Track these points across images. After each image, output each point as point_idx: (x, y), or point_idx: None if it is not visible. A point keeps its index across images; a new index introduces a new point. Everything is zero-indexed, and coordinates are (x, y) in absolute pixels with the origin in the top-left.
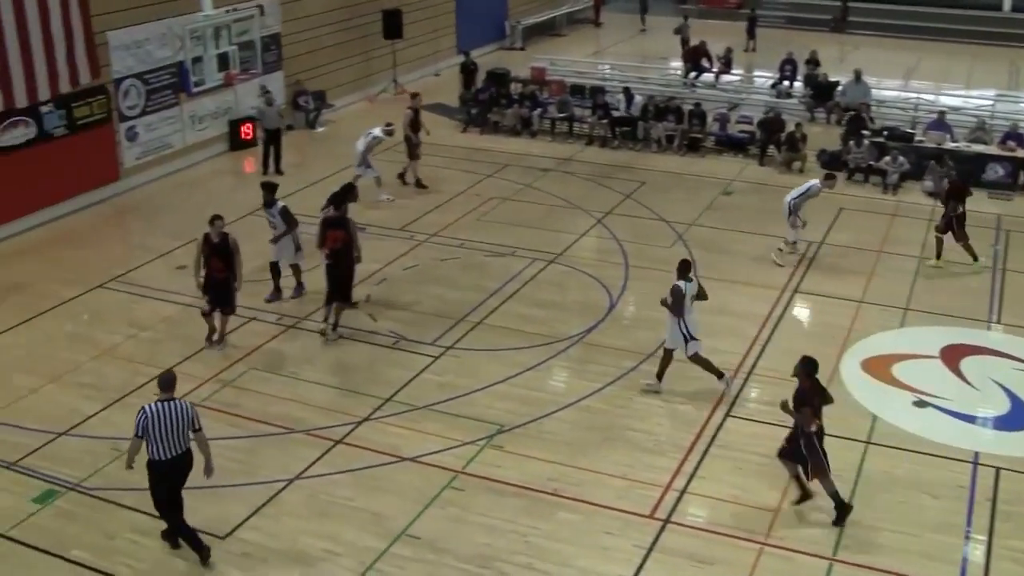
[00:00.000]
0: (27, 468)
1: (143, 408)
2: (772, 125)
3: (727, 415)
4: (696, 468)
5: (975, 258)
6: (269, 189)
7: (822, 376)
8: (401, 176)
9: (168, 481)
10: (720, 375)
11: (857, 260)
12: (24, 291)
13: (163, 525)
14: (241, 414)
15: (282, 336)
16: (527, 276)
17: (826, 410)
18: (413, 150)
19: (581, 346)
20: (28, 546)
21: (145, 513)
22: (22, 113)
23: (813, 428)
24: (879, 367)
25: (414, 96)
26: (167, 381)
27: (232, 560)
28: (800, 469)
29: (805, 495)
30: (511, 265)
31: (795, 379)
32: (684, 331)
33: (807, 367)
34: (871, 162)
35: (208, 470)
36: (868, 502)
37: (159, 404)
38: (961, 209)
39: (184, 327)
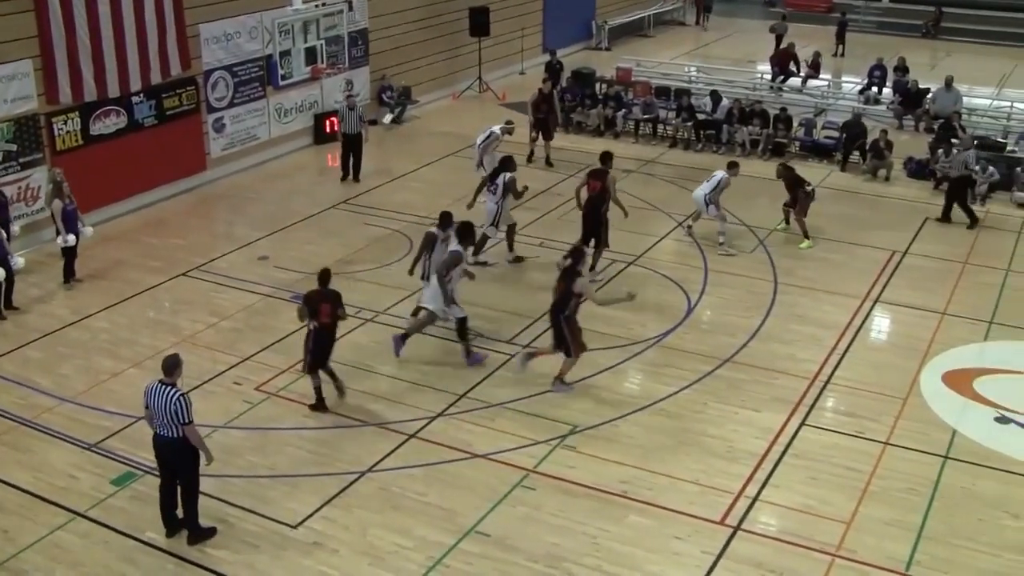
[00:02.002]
0: (107, 450)
1: (149, 383)
2: (853, 128)
3: (803, 424)
4: (769, 476)
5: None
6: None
7: (902, 388)
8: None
9: (158, 455)
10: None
11: (942, 272)
12: (110, 276)
13: (229, 510)
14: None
15: (360, 329)
16: (606, 277)
17: (905, 422)
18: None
19: (658, 349)
20: (105, 526)
21: (218, 499)
22: (114, 103)
23: (312, 326)
24: (960, 381)
25: (545, 80)
26: (165, 365)
27: (302, 549)
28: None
29: (318, 404)
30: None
31: None
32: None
33: (322, 276)
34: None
35: (206, 459)
36: (945, 518)
37: (158, 384)
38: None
39: (264, 317)
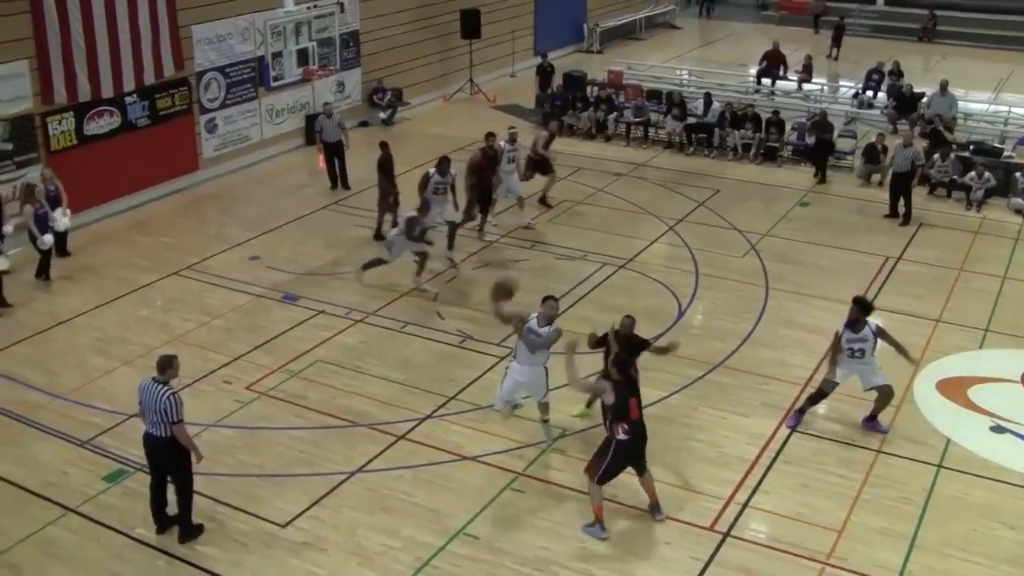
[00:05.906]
0: (99, 447)
1: (143, 379)
2: (820, 127)
3: (793, 430)
4: (759, 482)
5: None
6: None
7: (896, 395)
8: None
9: (148, 454)
10: None
11: (936, 278)
12: (103, 275)
13: (218, 508)
14: (306, 405)
15: (350, 330)
16: (596, 280)
17: (898, 430)
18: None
19: (647, 354)
20: (96, 522)
21: (208, 497)
22: (108, 103)
23: None
24: (955, 389)
25: (384, 145)
26: (159, 363)
27: (290, 548)
28: None
29: None
30: (581, 269)
31: None
32: None
33: None
34: (955, 177)
35: (196, 458)
36: (938, 527)
37: (150, 381)
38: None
39: (255, 317)
